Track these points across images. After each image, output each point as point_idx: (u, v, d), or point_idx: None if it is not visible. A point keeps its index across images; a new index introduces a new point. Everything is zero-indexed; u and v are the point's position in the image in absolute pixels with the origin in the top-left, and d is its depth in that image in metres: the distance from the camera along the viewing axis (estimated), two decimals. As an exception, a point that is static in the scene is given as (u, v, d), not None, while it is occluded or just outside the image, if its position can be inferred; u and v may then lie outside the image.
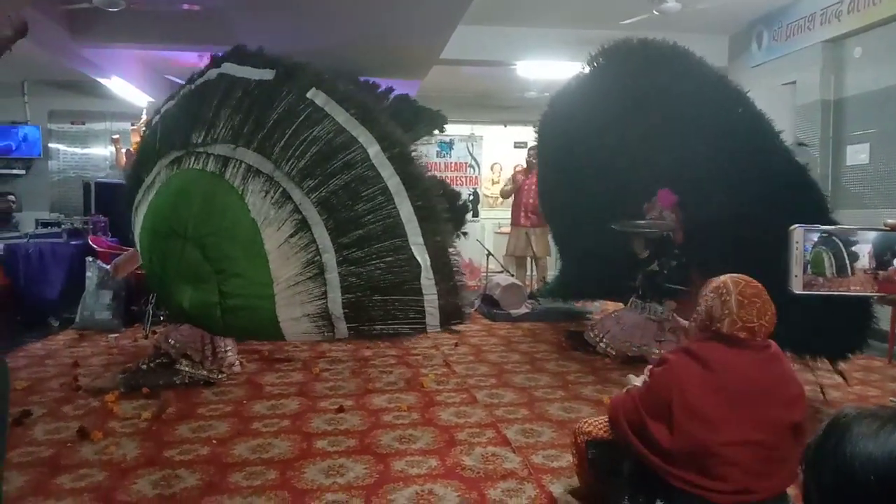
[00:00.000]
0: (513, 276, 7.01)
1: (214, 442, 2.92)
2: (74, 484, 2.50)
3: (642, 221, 4.59)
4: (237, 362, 4.07)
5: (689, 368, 1.85)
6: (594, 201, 4.86)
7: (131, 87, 7.95)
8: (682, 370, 1.86)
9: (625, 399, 2.02)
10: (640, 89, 4.35)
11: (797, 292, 1.35)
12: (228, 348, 4.03)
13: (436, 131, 7.17)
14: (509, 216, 7.47)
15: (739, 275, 1.91)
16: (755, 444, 1.77)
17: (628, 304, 4.73)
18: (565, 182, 5.26)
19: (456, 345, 5.03)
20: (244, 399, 3.57)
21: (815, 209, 3.40)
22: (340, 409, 3.36)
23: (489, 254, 7.52)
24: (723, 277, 1.90)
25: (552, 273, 6.96)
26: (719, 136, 3.91)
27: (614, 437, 2.08)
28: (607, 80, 4.66)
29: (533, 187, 6.75)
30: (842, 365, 3.64)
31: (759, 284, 1.88)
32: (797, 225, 1.36)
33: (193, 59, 7.95)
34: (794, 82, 6.23)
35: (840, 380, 3.81)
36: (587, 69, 4.87)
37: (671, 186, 4.42)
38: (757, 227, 3.60)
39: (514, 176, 7.38)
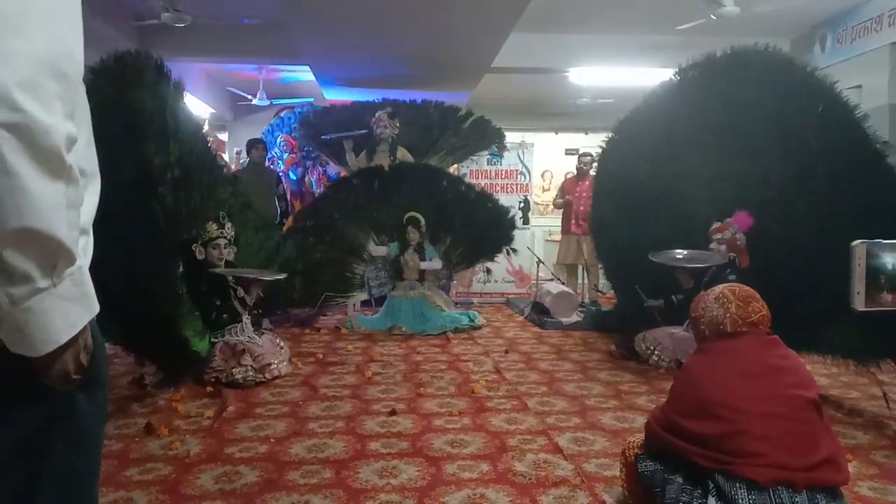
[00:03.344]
0: (563, 283, 6.96)
1: (272, 441, 3.02)
2: (142, 476, 2.62)
3: (683, 253, 4.45)
4: (277, 365, 4.12)
5: (704, 363, 2.11)
6: (652, 233, 4.62)
7: (195, 100, 8.28)
8: (699, 368, 2.12)
9: (654, 412, 2.24)
10: (729, 103, 4.22)
11: (860, 310, 1.35)
12: (263, 352, 4.09)
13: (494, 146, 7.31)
14: (559, 224, 7.43)
15: (732, 284, 2.23)
16: (778, 416, 1.92)
17: (685, 325, 4.60)
18: (624, 214, 5.04)
19: (506, 352, 5.03)
20: (300, 400, 3.66)
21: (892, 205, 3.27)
22: (393, 413, 3.41)
23: (539, 261, 7.49)
24: (718, 288, 2.19)
25: (603, 281, 6.87)
26: (805, 141, 3.76)
27: (647, 446, 2.22)
28: (690, 95, 4.53)
29: (584, 194, 6.70)
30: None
31: (749, 288, 2.16)
32: (859, 241, 1.35)
33: (253, 72, 8.26)
34: (859, 86, 6.01)
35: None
36: (663, 87, 4.76)
37: (749, 209, 4.23)
38: (836, 234, 3.46)
39: (563, 187, 7.34)
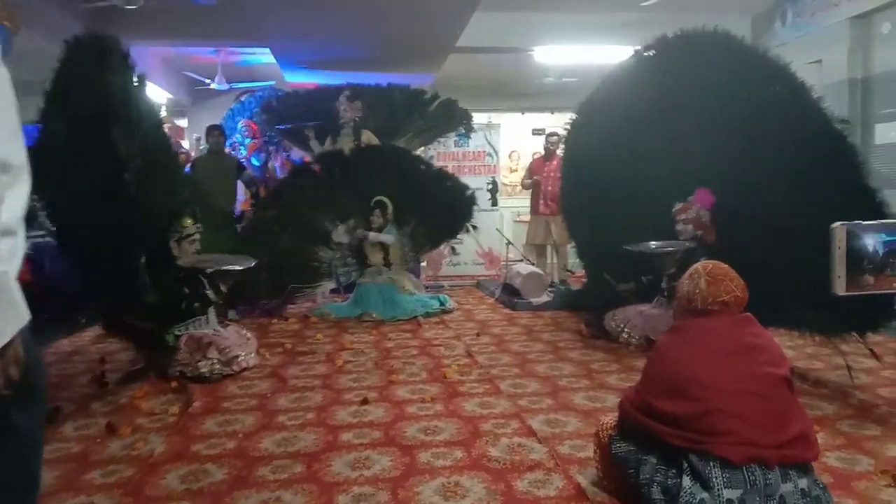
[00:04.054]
0: (533, 264, 6.96)
1: (240, 435, 2.94)
2: (104, 479, 2.53)
3: (657, 243, 4.47)
4: (245, 357, 4.03)
5: (676, 343, 2.09)
6: (622, 214, 4.65)
7: (151, 85, 7.99)
8: (670, 347, 2.10)
9: (627, 392, 2.23)
10: (685, 83, 4.24)
11: (840, 294, 1.33)
12: (230, 344, 4.00)
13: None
14: (528, 205, 7.41)
15: (709, 260, 2.17)
16: (751, 393, 1.92)
17: (654, 302, 4.64)
18: (592, 198, 5.04)
19: (478, 335, 5.01)
20: (268, 392, 3.58)
21: (856, 182, 3.32)
22: (364, 401, 3.36)
23: (509, 243, 7.48)
24: (695, 265, 2.16)
25: (573, 261, 6.90)
26: (761, 121, 3.79)
27: (620, 427, 2.22)
28: (647, 76, 4.54)
29: (552, 174, 6.68)
30: (871, 343, 3.54)
31: (725, 266, 2.13)
32: (839, 223, 1.32)
33: (211, 55, 8.00)
34: (819, 61, 6.07)
35: (868, 364, 3.73)
36: (621, 68, 4.76)
37: (710, 186, 4.27)
38: (800, 212, 3.49)
39: (530, 167, 7.31)
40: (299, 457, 2.70)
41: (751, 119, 3.86)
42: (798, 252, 3.48)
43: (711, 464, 1.92)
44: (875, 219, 3.15)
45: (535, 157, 7.33)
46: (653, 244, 4.49)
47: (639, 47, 4.65)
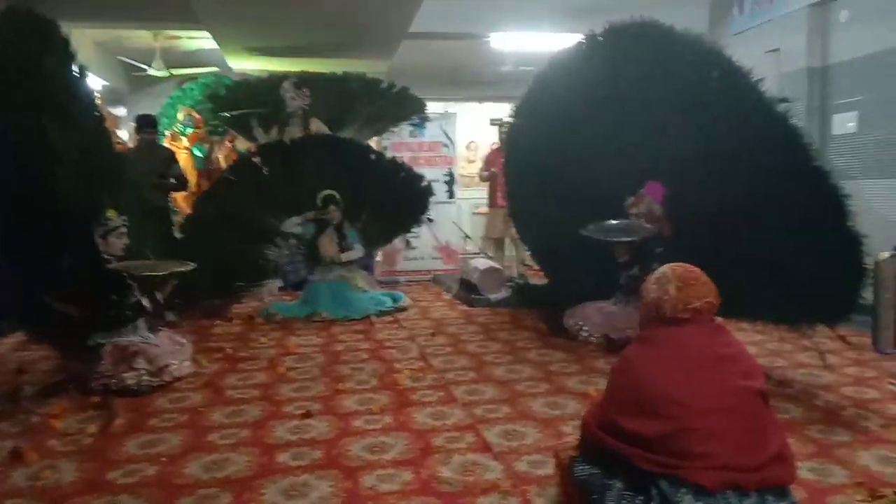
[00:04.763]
0: (491, 258, 6.76)
1: (164, 460, 2.63)
2: (-2, 519, 2.20)
3: (616, 223, 4.30)
4: (178, 365, 3.71)
5: (644, 356, 1.90)
6: (569, 210, 4.51)
7: (82, 71, 7.46)
8: (637, 360, 1.91)
9: (591, 409, 2.01)
10: (621, 76, 4.16)
11: (887, 352, 1.07)
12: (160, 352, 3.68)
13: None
14: (486, 197, 7.20)
15: (678, 263, 1.97)
16: (726, 410, 1.76)
17: (613, 299, 4.48)
18: (537, 194, 4.92)
19: (433, 335, 4.77)
20: (201, 406, 3.27)
21: (804, 164, 3.21)
22: (307, 415, 3.08)
23: (466, 236, 7.26)
24: (662, 268, 1.96)
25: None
26: (700, 106, 3.69)
27: (583, 448, 2.01)
28: (583, 70, 4.43)
29: (510, 166, 6.47)
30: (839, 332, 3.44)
31: (696, 269, 1.94)
32: (887, 253, 1.07)
33: (148, 40, 7.52)
34: (777, 49, 5.99)
35: (832, 360, 3.64)
36: (567, 56, 4.62)
37: (660, 177, 4.14)
38: (754, 198, 3.38)
39: (487, 159, 7.09)
40: (228, 484, 2.41)
41: (692, 107, 3.75)
42: (757, 239, 3.36)
43: (683, 490, 1.72)
44: (834, 205, 3.05)
45: (493, 147, 7.10)
46: (614, 222, 4.30)
47: (567, 47, 4.59)
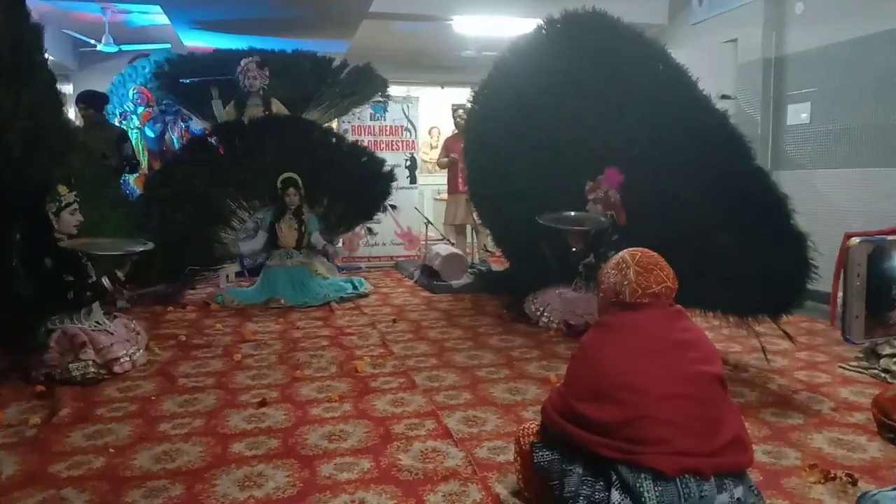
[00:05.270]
0: (453, 244, 6.73)
1: (112, 451, 2.53)
2: (-70, 516, 2.08)
3: (573, 214, 4.35)
4: (130, 357, 3.57)
5: (603, 341, 1.90)
6: (528, 198, 4.54)
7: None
8: (597, 345, 1.90)
9: (552, 396, 1.98)
10: (574, 65, 4.19)
11: (856, 342, 1.03)
12: (113, 341, 3.53)
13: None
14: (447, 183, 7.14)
15: (636, 248, 1.97)
16: (683, 396, 1.75)
17: (573, 285, 4.50)
18: (497, 182, 4.93)
19: (394, 321, 4.72)
20: (153, 395, 3.16)
21: (742, 162, 3.27)
22: (263, 403, 3.00)
23: (428, 222, 7.21)
24: (621, 253, 1.96)
25: (493, 240, 6.70)
26: (647, 100, 3.78)
27: (543, 434, 2.00)
28: (553, 52, 4.42)
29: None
30: (784, 325, 3.51)
31: (655, 254, 1.94)
32: (857, 238, 1.05)
33: (96, 14, 7.19)
34: (735, 40, 6.08)
35: (784, 346, 3.73)
36: (526, 41, 4.61)
37: (616, 165, 4.20)
38: (700, 190, 3.45)
39: (445, 146, 7.01)
40: (179, 475, 2.32)
41: (640, 99, 3.82)
42: (700, 232, 3.42)
43: (642, 476, 1.72)
44: (772, 203, 3.11)
45: (454, 133, 7.03)
46: (571, 213, 4.36)
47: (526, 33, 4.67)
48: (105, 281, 3.64)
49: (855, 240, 1.11)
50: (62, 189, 3.56)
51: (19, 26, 3.48)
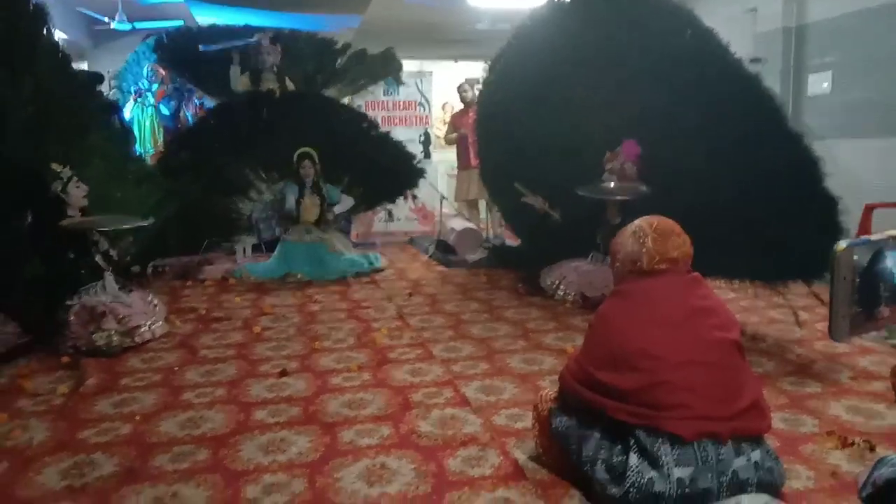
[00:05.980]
0: (468, 219, 6.72)
1: (138, 418, 2.59)
2: (-33, 479, 2.14)
3: (613, 185, 4.24)
4: (149, 327, 3.63)
5: (621, 309, 1.90)
6: (540, 170, 4.53)
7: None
8: (615, 314, 1.91)
9: (569, 364, 2.00)
10: (598, 33, 4.11)
11: (841, 342, 1.00)
12: (131, 312, 3.58)
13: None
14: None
15: (652, 216, 1.96)
16: (702, 364, 1.77)
17: (588, 258, 4.49)
18: (511, 156, 4.88)
19: (410, 294, 4.75)
20: (175, 366, 3.22)
21: (774, 126, 3.22)
22: (283, 373, 3.05)
23: (443, 197, 7.19)
24: (637, 222, 1.95)
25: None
26: (675, 65, 3.69)
27: (562, 400, 2.03)
28: (559, 27, 4.38)
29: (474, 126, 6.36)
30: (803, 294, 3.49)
31: (671, 220, 1.93)
32: (844, 242, 1.01)
33: (109, -11, 7.18)
34: (754, 9, 5.96)
35: (804, 317, 3.70)
36: (546, 11, 4.54)
37: (635, 136, 4.13)
38: (730, 157, 3.40)
39: (451, 122, 6.94)
40: (204, 441, 2.38)
41: (667, 66, 3.74)
42: (729, 198, 3.38)
43: (660, 440, 1.74)
44: (805, 166, 3.07)
45: (461, 109, 6.94)
46: (611, 184, 4.24)
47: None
48: (98, 259, 3.69)
49: (842, 244, 1.10)
50: (56, 166, 3.61)
51: (16, 13, 3.48)
